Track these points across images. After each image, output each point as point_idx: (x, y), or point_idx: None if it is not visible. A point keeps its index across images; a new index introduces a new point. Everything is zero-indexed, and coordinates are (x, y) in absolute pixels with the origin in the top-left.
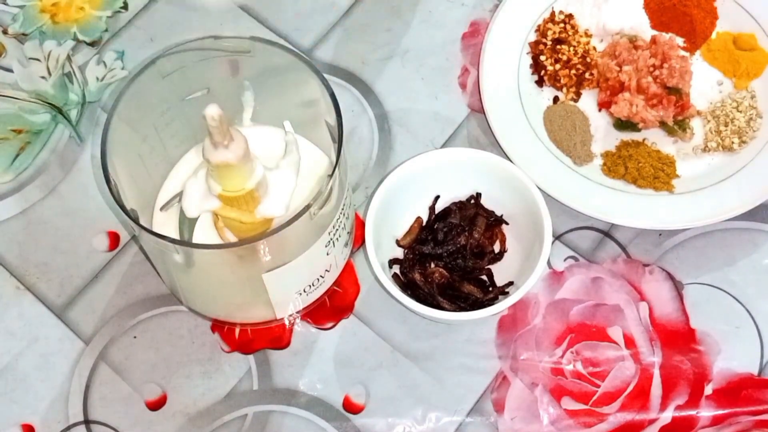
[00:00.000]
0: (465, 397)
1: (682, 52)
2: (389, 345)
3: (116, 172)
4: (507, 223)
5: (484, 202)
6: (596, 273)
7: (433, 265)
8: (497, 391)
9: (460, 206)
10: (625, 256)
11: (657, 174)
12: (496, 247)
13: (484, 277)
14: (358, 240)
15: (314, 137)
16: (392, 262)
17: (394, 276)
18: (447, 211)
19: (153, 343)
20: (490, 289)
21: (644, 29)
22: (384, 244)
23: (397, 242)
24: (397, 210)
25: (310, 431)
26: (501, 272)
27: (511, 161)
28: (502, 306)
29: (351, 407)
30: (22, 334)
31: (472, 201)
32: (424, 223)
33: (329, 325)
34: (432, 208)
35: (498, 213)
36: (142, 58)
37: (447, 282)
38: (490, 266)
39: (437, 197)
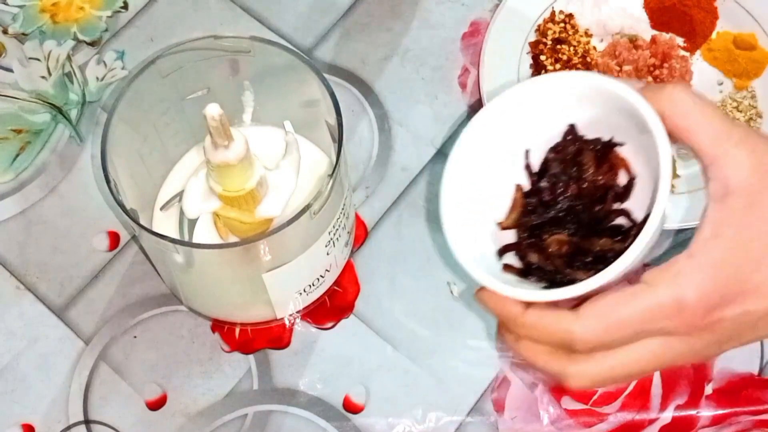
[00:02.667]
0: (465, 396)
1: (682, 52)
2: (389, 345)
3: (116, 171)
4: (622, 144)
5: (585, 134)
6: None
7: (548, 237)
8: (497, 390)
9: (556, 149)
10: None
11: None
12: (623, 179)
13: (622, 220)
14: (358, 240)
15: (314, 137)
16: (503, 251)
17: (506, 267)
18: (545, 164)
19: (153, 343)
20: (632, 230)
21: (644, 29)
22: (480, 239)
23: (500, 225)
24: (482, 190)
25: (310, 431)
26: (640, 203)
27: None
28: (647, 235)
29: (351, 407)
30: (22, 334)
31: (569, 137)
32: (526, 189)
33: (329, 325)
34: (528, 168)
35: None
36: (142, 58)
37: (571, 248)
38: (620, 205)
39: (527, 152)
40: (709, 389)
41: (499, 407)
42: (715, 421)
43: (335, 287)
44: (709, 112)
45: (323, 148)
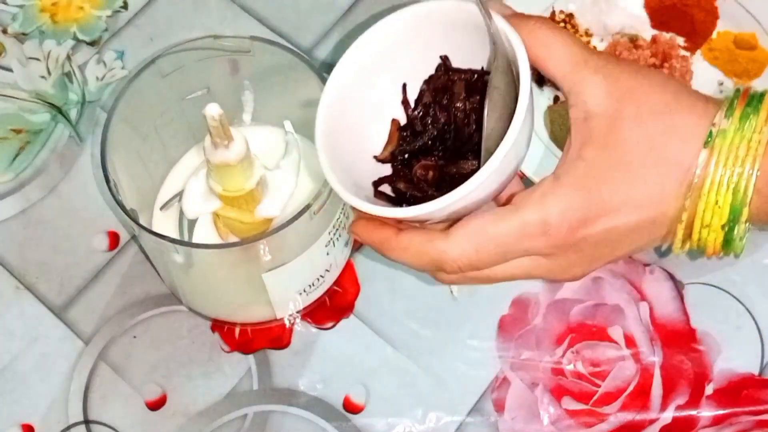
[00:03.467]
0: (465, 396)
1: (683, 52)
2: (389, 345)
3: (116, 171)
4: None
5: (459, 65)
6: (596, 273)
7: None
8: (497, 391)
9: (428, 82)
10: None
11: None
12: None
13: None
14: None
15: (314, 137)
16: (377, 184)
17: (378, 194)
18: (419, 96)
19: (153, 343)
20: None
21: (645, 29)
22: (361, 171)
23: (377, 159)
24: (360, 125)
25: (310, 431)
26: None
27: None
28: (498, 156)
29: (351, 407)
30: (22, 334)
31: (440, 69)
32: (402, 124)
33: (329, 325)
34: (405, 102)
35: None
36: (142, 57)
37: (437, 173)
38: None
39: (404, 86)
40: (709, 389)
41: (499, 407)
42: (716, 421)
43: (335, 287)
44: (568, 41)
45: None
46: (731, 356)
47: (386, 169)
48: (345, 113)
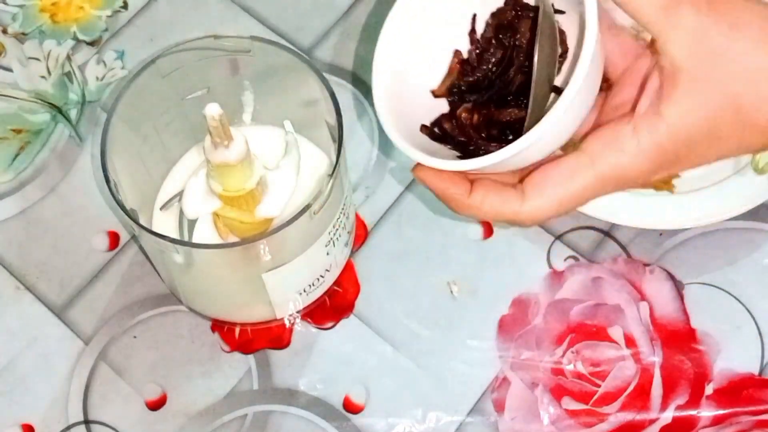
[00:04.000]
0: (465, 396)
1: None
2: (389, 345)
3: (116, 171)
4: (562, 12)
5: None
6: (597, 273)
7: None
8: (497, 391)
9: (494, 15)
10: (625, 256)
11: None
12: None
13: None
14: (358, 240)
15: (314, 137)
16: (436, 123)
17: (423, 128)
18: (483, 31)
19: (153, 343)
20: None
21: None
22: (415, 109)
23: (433, 93)
24: (422, 57)
25: (310, 431)
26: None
27: None
28: (562, 105)
29: (351, 407)
30: (22, 334)
31: (509, 2)
32: (465, 56)
33: (329, 324)
34: (472, 34)
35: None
36: (142, 57)
37: (482, 118)
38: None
39: (474, 17)
40: (709, 389)
41: (499, 407)
42: (716, 421)
43: (335, 287)
44: None
45: (323, 148)
46: (731, 356)
47: (443, 105)
48: (407, 47)
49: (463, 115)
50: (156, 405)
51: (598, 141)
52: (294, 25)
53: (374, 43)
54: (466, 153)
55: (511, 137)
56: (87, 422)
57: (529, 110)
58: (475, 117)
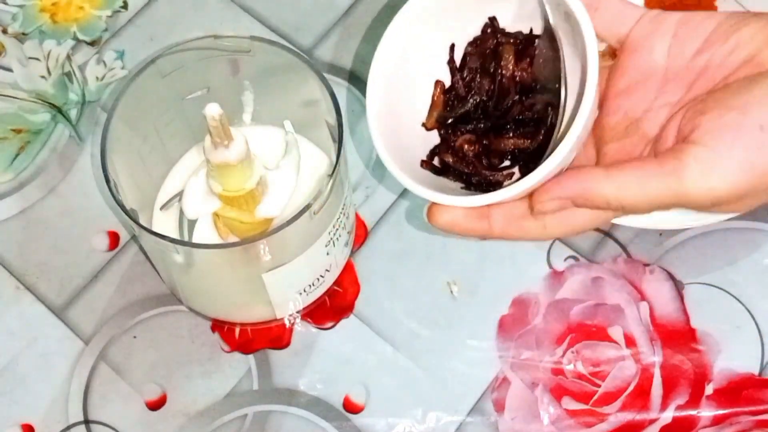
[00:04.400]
0: (465, 396)
1: None
2: (389, 345)
3: (116, 171)
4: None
5: (508, 28)
6: (596, 273)
7: (459, 137)
8: (497, 391)
9: (474, 43)
10: (625, 256)
11: None
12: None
13: (538, 116)
14: (358, 240)
15: (314, 137)
16: (432, 155)
17: (424, 163)
18: (464, 58)
19: (153, 343)
20: (541, 122)
21: None
22: (411, 143)
23: (424, 126)
24: (409, 91)
25: (310, 431)
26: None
27: None
28: (576, 130)
29: (351, 407)
30: (22, 334)
31: (488, 30)
32: (447, 86)
33: (329, 324)
34: (451, 63)
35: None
36: (142, 57)
37: (480, 148)
38: (534, 99)
39: (452, 46)
40: (709, 389)
41: (499, 407)
42: (716, 421)
43: (335, 287)
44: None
45: (323, 148)
46: (731, 356)
47: (434, 137)
48: (396, 84)
49: (465, 146)
50: (156, 405)
51: (692, 153)
52: (294, 25)
53: (374, 43)
54: (469, 184)
55: (510, 164)
56: (87, 422)
57: (559, 132)
58: (476, 147)
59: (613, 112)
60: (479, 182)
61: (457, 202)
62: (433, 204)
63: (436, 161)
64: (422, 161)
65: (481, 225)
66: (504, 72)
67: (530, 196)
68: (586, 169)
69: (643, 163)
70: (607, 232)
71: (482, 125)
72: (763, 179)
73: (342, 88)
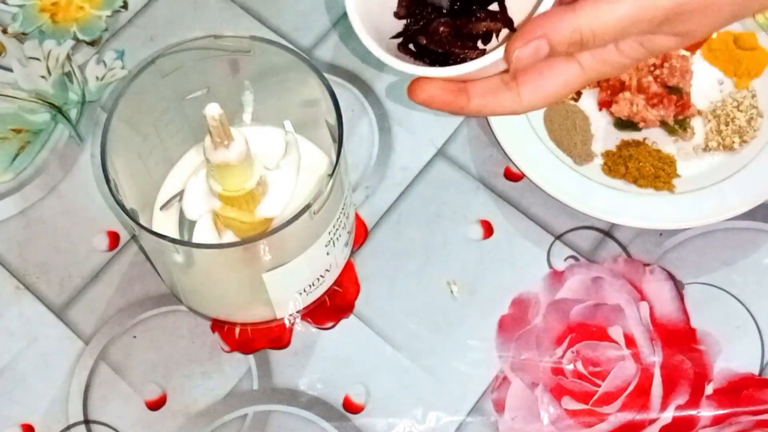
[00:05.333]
0: (465, 396)
1: (683, 52)
2: (389, 345)
3: (116, 171)
4: None
5: None
6: (597, 273)
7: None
8: (497, 390)
9: None
10: (625, 256)
11: (657, 173)
12: None
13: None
14: (358, 240)
15: (314, 137)
16: (407, 40)
17: (401, 48)
18: None
19: (153, 343)
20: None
21: None
22: (386, 28)
23: (396, 14)
24: None
25: (310, 431)
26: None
27: (512, 161)
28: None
29: (351, 407)
30: (22, 333)
31: None
32: None
33: (329, 324)
34: None
35: None
36: (142, 57)
37: (454, 30)
38: None
39: None
40: (709, 389)
41: (499, 407)
42: (716, 421)
43: (335, 287)
44: None
45: (323, 148)
46: (731, 356)
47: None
48: None
49: (441, 28)
50: (156, 405)
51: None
52: (294, 25)
53: None
54: (444, 65)
55: (484, 47)
56: (87, 422)
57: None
58: (449, 29)
59: None
60: (454, 62)
61: (437, 73)
62: (415, 80)
63: (411, 48)
64: (398, 45)
65: (459, 99)
66: None
67: (506, 56)
68: (553, 9)
69: None
70: (607, 232)
71: (452, 8)
72: None
73: (342, 88)
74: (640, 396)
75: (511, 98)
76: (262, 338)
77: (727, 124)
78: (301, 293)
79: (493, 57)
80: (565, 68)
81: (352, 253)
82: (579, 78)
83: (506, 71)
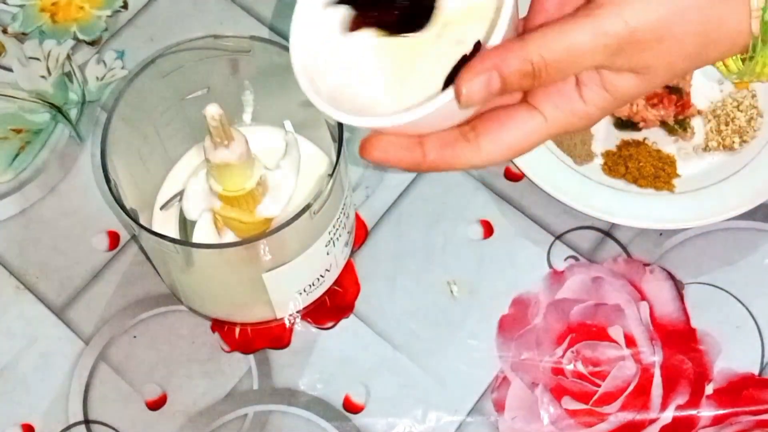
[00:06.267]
0: (465, 396)
1: None
2: (389, 345)
3: (116, 171)
4: None
5: None
6: (597, 273)
7: None
8: (497, 390)
9: None
10: (625, 256)
11: (657, 173)
12: None
13: None
14: (358, 240)
15: (314, 137)
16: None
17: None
18: None
19: (153, 343)
20: None
21: None
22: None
23: None
24: None
25: (310, 431)
26: None
27: (512, 161)
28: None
29: (351, 407)
30: (22, 334)
31: None
32: None
33: (329, 324)
34: None
35: None
36: (142, 57)
37: None
38: None
39: None
40: (709, 389)
41: (499, 407)
42: (716, 421)
43: (335, 287)
44: None
45: (323, 148)
46: (731, 356)
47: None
48: None
49: None
50: (156, 405)
51: (549, 101)
52: None
53: None
54: (391, 26)
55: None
56: (87, 422)
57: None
58: None
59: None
60: (400, 17)
61: (391, 122)
62: (365, 138)
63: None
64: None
65: (415, 154)
66: None
67: (456, 91)
68: (503, 42)
69: (559, 20)
70: (607, 232)
71: None
72: (682, 15)
73: None
74: (640, 396)
75: (470, 150)
76: (262, 338)
77: (727, 124)
78: (301, 293)
79: (445, 98)
80: (527, 118)
81: (352, 253)
82: (542, 130)
83: (465, 123)
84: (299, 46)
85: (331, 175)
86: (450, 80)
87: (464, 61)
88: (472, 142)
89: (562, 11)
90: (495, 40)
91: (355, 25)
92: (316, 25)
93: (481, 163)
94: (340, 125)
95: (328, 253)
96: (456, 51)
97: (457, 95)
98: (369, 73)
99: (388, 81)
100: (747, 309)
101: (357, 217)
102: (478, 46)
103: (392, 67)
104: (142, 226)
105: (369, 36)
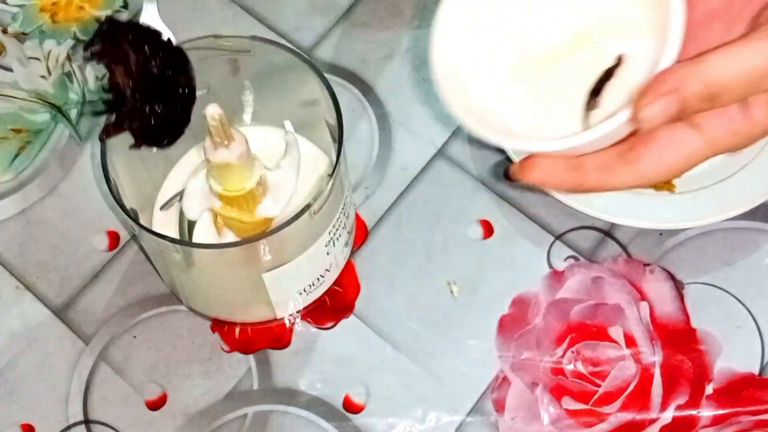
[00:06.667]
0: (465, 396)
1: None
2: (389, 345)
3: (116, 171)
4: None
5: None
6: (597, 272)
7: None
8: (497, 390)
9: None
10: (625, 256)
11: None
12: None
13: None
14: (358, 240)
15: (314, 137)
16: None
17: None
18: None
19: (153, 343)
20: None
21: None
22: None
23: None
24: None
25: (310, 431)
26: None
27: (512, 161)
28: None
29: (351, 407)
30: (22, 334)
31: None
32: None
33: (329, 324)
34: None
35: None
36: None
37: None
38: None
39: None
40: (709, 389)
41: (499, 407)
42: (716, 421)
43: (335, 287)
44: None
45: (323, 148)
46: (731, 356)
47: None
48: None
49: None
50: (156, 405)
51: (712, 121)
52: (294, 25)
53: (374, 43)
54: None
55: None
56: (87, 422)
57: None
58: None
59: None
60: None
61: (549, 147)
62: (526, 158)
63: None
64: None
65: (574, 177)
66: None
67: (634, 116)
68: (675, 64)
69: (730, 43)
70: (607, 232)
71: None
72: None
73: (342, 88)
74: (640, 396)
75: (630, 173)
76: (262, 338)
77: None
78: (301, 293)
79: (619, 119)
80: (689, 140)
81: (352, 253)
82: (703, 151)
83: (620, 142)
84: (443, 74)
85: (331, 175)
86: (595, 93)
87: (608, 74)
88: (631, 165)
89: (729, 35)
90: (667, 60)
91: (111, 131)
92: (457, 48)
93: (636, 184)
94: (340, 126)
95: (328, 253)
96: (596, 64)
97: (636, 118)
98: (506, 92)
99: (522, 99)
100: (747, 309)
101: (357, 217)
102: (619, 59)
103: (528, 84)
104: (142, 226)
105: (507, 55)
